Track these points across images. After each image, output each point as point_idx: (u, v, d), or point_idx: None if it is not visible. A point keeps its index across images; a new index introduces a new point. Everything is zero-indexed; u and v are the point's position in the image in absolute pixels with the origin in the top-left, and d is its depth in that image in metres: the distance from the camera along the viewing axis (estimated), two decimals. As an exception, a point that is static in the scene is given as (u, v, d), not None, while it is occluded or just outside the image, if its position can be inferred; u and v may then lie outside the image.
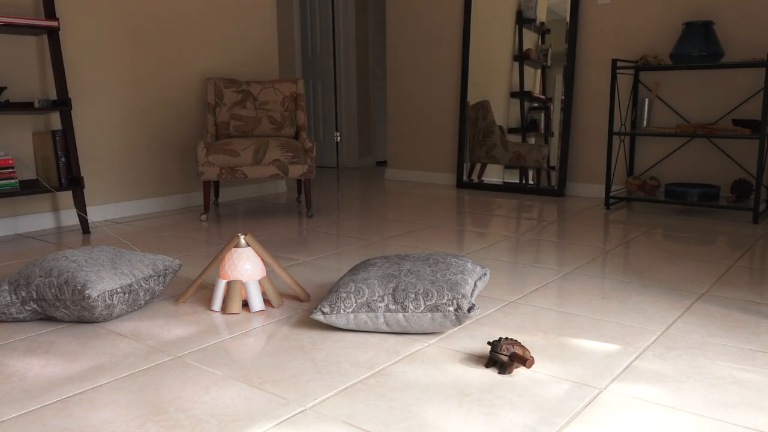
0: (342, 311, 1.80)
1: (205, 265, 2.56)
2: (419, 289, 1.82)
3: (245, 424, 1.31)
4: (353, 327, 1.83)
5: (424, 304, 1.79)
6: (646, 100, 3.82)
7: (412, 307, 1.79)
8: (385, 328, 1.82)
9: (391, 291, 1.82)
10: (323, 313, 1.81)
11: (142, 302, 2.03)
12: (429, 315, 1.79)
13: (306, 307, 2.05)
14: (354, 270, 2.00)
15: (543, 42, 4.31)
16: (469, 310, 1.80)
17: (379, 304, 1.80)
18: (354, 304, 1.81)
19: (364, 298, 1.81)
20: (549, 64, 4.30)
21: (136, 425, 1.32)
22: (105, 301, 1.85)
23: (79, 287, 1.83)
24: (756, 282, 2.27)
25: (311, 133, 6.50)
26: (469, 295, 1.87)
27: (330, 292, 1.88)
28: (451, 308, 1.79)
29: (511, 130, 4.50)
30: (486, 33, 4.57)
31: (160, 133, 3.92)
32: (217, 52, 4.17)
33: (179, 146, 4.03)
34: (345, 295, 1.83)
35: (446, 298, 1.79)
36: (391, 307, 1.79)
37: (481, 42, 4.60)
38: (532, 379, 1.51)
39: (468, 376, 1.53)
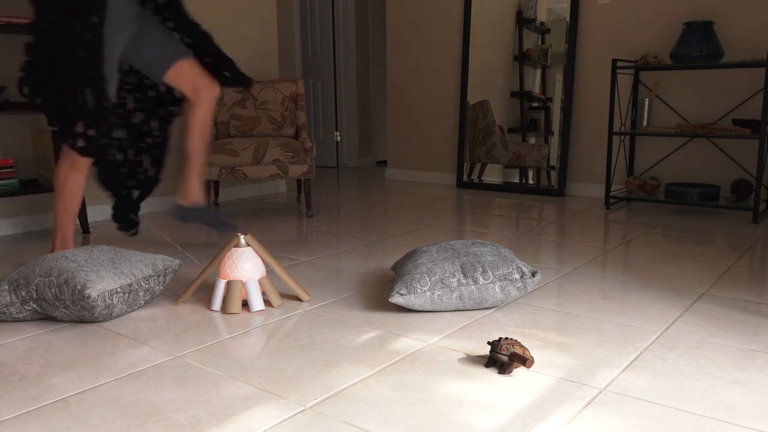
0: (419, 290, 1.91)
1: (205, 265, 2.56)
2: (485, 263, 1.96)
3: (245, 424, 1.31)
4: (429, 307, 1.95)
5: (493, 274, 1.94)
6: (646, 100, 3.82)
7: (482, 279, 1.93)
8: (458, 303, 1.94)
9: (459, 267, 1.96)
10: (401, 294, 1.92)
11: (142, 302, 2.03)
12: (498, 284, 1.94)
13: (306, 307, 2.05)
14: (410, 257, 2.11)
15: (543, 42, 4.31)
16: (533, 275, 1.99)
17: (452, 279, 1.92)
18: (429, 283, 1.92)
19: (437, 276, 1.93)
20: (549, 64, 4.30)
21: (136, 425, 1.32)
22: (105, 300, 1.85)
23: (78, 287, 1.83)
24: (756, 282, 2.27)
25: (311, 133, 6.50)
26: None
27: (401, 277, 1.98)
28: (517, 275, 1.96)
29: (511, 130, 4.50)
30: (486, 33, 4.57)
31: (160, 133, 3.91)
32: (217, 52, 4.17)
33: (179, 146, 4.03)
34: (419, 276, 1.94)
35: (510, 267, 1.97)
36: (463, 281, 1.92)
37: (481, 42, 4.60)
38: (532, 379, 1.51)
39: (468, 376, 1.53)
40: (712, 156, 3.76)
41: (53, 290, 1.86)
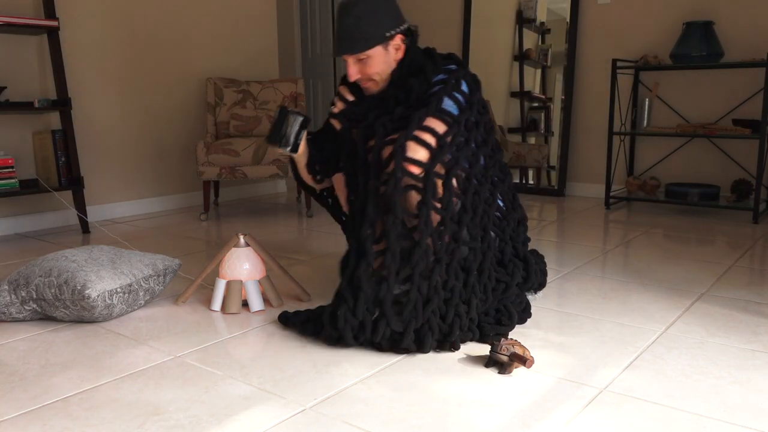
0: None
1: (205, 265, 2.56)
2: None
3: (245, 424, 1.31)
4: None
5: None
6: (646, 100, 3.82)
7: None
8: None
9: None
10: None
11: (142, 302, 2.03)
12: None
13: (306, 307, 2.05)
14: None
15: (543, 42, 4.31)
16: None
17: None
18: None
19: None
20: (549, 64, 4.30)
21: (136, 425, 1.31)
22: (105, 300, 1.85)
23: (78, 287, 1.83)
24: (756, 282, 2.27)
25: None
26: None
27: None
28: None
29: (511, 130, 4.50)
30: (486, 33, 4.57)
31: (160, 133, 3.92)
32: (217, 52, 4.17)
33: (179, 146, 4.03)
34: None
35: None
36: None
37: (481, 42, 4.60)
38: (532, 379, 1.51)
39: (468, 376, 1.53)
40: (712, 156, 3.76)
41: (53, 290, 1.86)
